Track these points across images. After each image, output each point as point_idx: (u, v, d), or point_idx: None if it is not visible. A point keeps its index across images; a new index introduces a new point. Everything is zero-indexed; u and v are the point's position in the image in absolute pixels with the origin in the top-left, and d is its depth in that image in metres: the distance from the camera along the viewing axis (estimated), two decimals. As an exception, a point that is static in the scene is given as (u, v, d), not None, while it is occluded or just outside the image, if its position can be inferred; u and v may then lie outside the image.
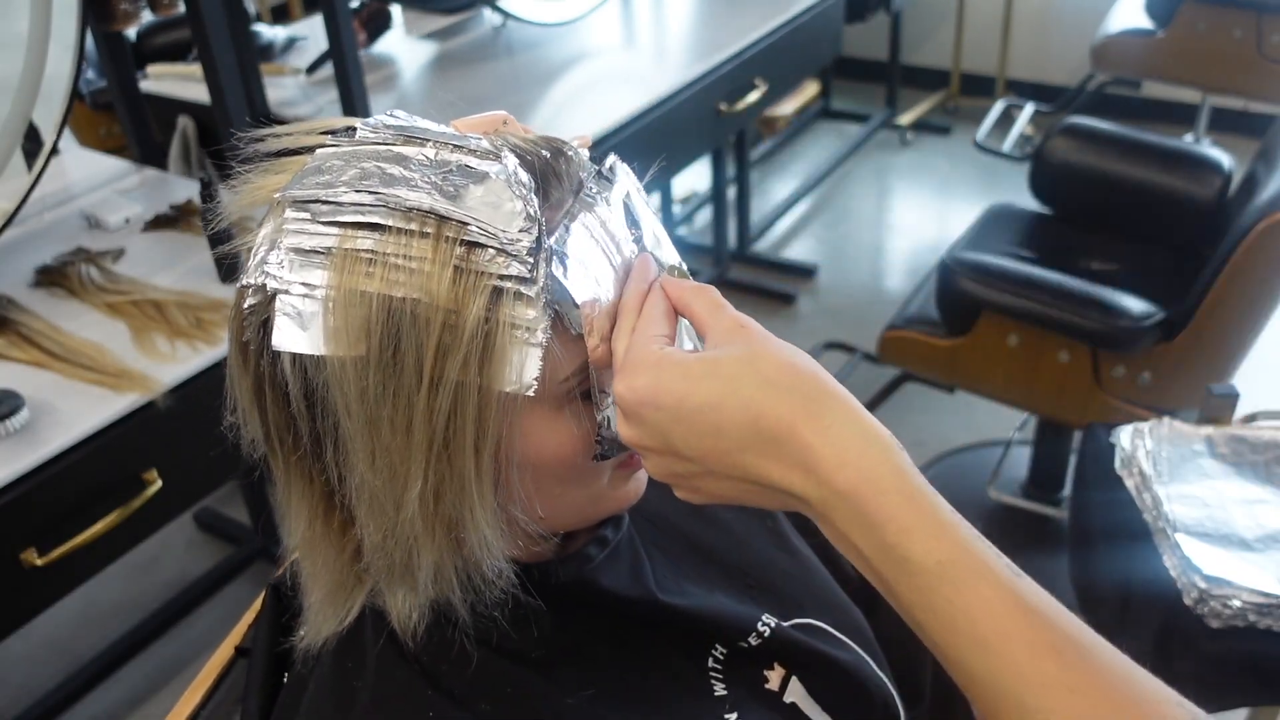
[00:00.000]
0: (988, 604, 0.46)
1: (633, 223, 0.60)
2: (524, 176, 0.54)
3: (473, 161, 0.54)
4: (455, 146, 0.55)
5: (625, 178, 0.61)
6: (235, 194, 0.57)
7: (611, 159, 0.60)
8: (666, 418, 0.51)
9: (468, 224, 0.52)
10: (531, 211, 0.53)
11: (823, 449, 0.49)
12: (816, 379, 0.51)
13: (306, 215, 0.53)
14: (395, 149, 0.54)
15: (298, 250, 0.53)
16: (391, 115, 0.58)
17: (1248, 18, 2.80)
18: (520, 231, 0.52)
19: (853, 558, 0.51)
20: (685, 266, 0.63)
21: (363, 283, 0.51)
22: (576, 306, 0.54)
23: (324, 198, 0.53)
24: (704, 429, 0.51)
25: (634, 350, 0.54)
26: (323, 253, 0.52)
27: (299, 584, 0.65)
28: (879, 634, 0.76)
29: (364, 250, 0.51)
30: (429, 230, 0.51)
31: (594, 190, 0.58)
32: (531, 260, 0.52)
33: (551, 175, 0.56)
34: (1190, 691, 1.37)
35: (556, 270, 0.53)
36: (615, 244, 0.58)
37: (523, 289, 0.52)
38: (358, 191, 0.52)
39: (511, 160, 0.54)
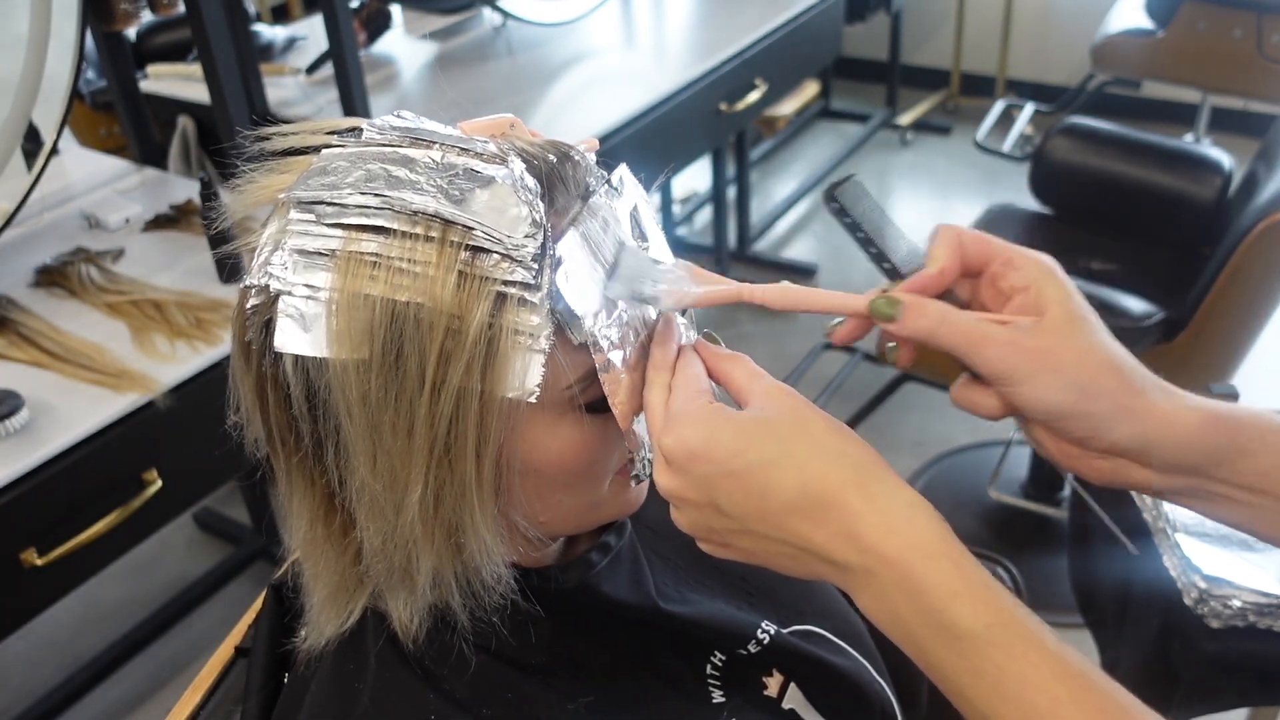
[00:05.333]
0: (1036, 669, 0.46)
1: (640, 235, 0.60)
2: (530, 182, 0.53)
3: (479, 165, 0.53)
4: (462, 150, 0.54)
5: (633, 189, 0.60)
6: (239, 193, 0.57)
7: (620, 170, 0.60)
8: (716, 472, 0.51)
9: (473, 229, 0.51)
10: (537, 217, 0.52)
11: (871, 515, 0.49)
12: (863, 447, 0.52)
13: (311, 217, 0.53)
14: (401, 151, 0.54)
15: (301, 252, 0.52)
16: (398, 116, 0.57)
17: (1248, 18, 2.79)
18: (525, 237, 0.52)
19: (889, 626, 0.50)
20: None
21: (366, 286, 0.51)
22: (578, 316, 0.53)
23: (329, 199, 0.52)
24: (752, 487, 0.51)
25: (680, 402, 0.54)
26: (327, 255, 0.52)
27: (300, 585, 0.65)
28: (878, 640, 0.76)
29: (368, 253, 0.51)
30: (434, 234, 0.51)
31: (601, 197, 0.58)
32: (536, 266, 0.52)
33: (558, 181, 0.55)
34: (1190, 691, 1.37)
35: (560, 277, 0.53)
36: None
37: (527, 295, 0.52)
38: (363, 194, 0.52)
39: (518, 165, 0.54)
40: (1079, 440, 0.53)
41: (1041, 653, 0.46)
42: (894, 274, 0.57)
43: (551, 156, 0.56)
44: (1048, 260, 0.55)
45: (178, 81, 2.17)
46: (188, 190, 1.84)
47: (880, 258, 0.56)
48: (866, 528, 0.49)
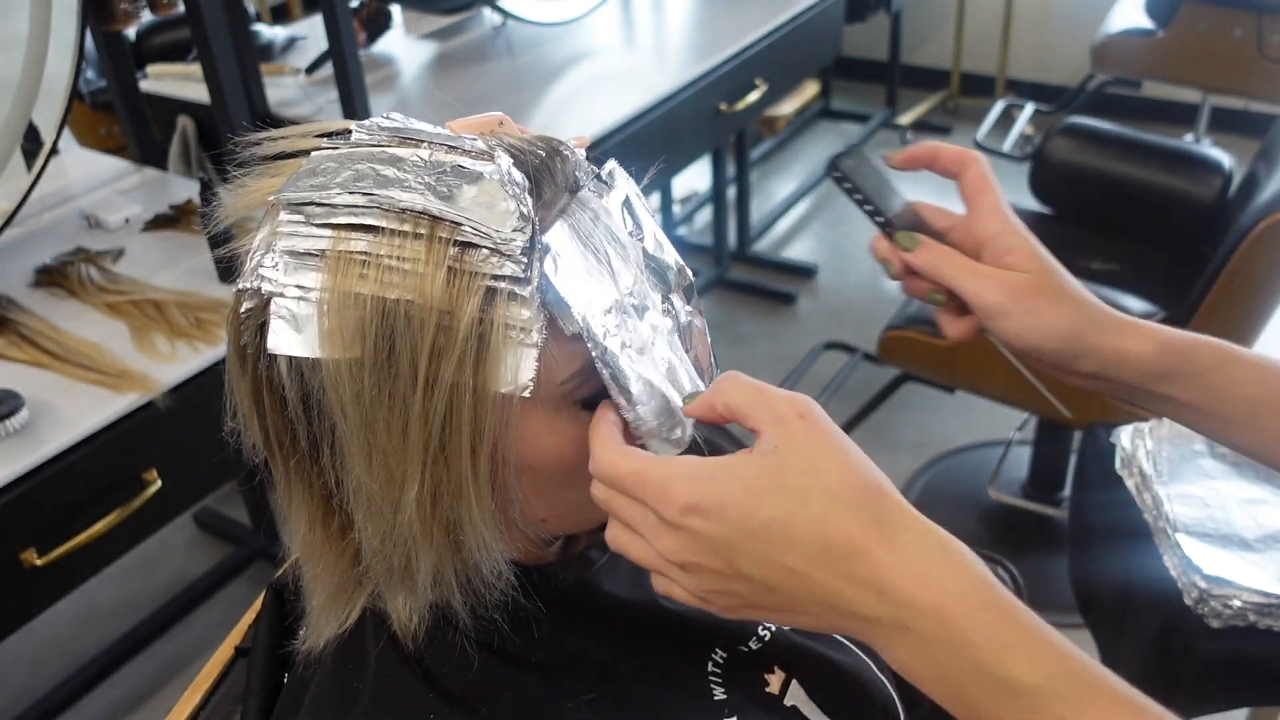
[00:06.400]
0: (1105, 716, 0.44)
1: (635, 225, 0.60)
2: (518, 176, 0.54)
3: (467, 162, 0.53)
4: (450, 147, 0.54)
5: (625, 183, 0.60)
6: (231, 197, 0.57)
7: (610, 164, 0.60)
8: (732, 531, 0.48)
9: (461, 224, 0.51)
10: (525, 211, 0.52)
11: (900, 566, 0.46)
12: (882, 492, 0.49)
13: (300, 218, 0.53)
14: (390, 150, 0.54)
15: (292, 253, 0.53)
16: (388, 118, 0.57)
17: (1248, 18, 2.79)
18: (514, 231, 0.52)
19: (931, 682, 0.47)
20: (688, 268, 0.63)
21: (357, 285, 0.51)
22: (568, 305, 0.53)
23: (318, 200, 0.52)
24: (773, 544, 0.47)
25: (668, 463, 0.50)
26: (317, 255, 0.52)
27: (300, 587, 0.65)
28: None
29: (357, 252, 0.51)
30: (422, 231, 0.51)
31: (591, 189, 0.58)
32: (525, 260, 0.52)
33: (546, 174, 0.55)
34: (1190, 691, 1.37)
35: (549, 266, 0.53)
36: (615, 242, 0.58)
37: (516, 289, 0.52)
38: (351, 193, 0.52)
39: (505, 160, 0.54)
40: (1048, 366, 0.64)
41: (1112, 699, 0.44)
42: (887, 226, 0.68)
43: (540, 151, 0.56)
44: (1002, 214, 0.64)
45: (178, 81, 2.17)
46: (188, 190, 1.84)
47: (875, 214, 0.68)
48: (898, 579, 0.46)
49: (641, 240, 0.60)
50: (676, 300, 0.61)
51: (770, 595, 0.49)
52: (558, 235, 0.54)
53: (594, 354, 0.54)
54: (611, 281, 0.56)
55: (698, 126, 2.35)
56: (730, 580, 0.49)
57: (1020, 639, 0.45)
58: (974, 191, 0.66)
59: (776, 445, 0.49)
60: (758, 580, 0.48)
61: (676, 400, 0.57)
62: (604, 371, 0.55)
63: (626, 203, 0.60)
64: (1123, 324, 0.63)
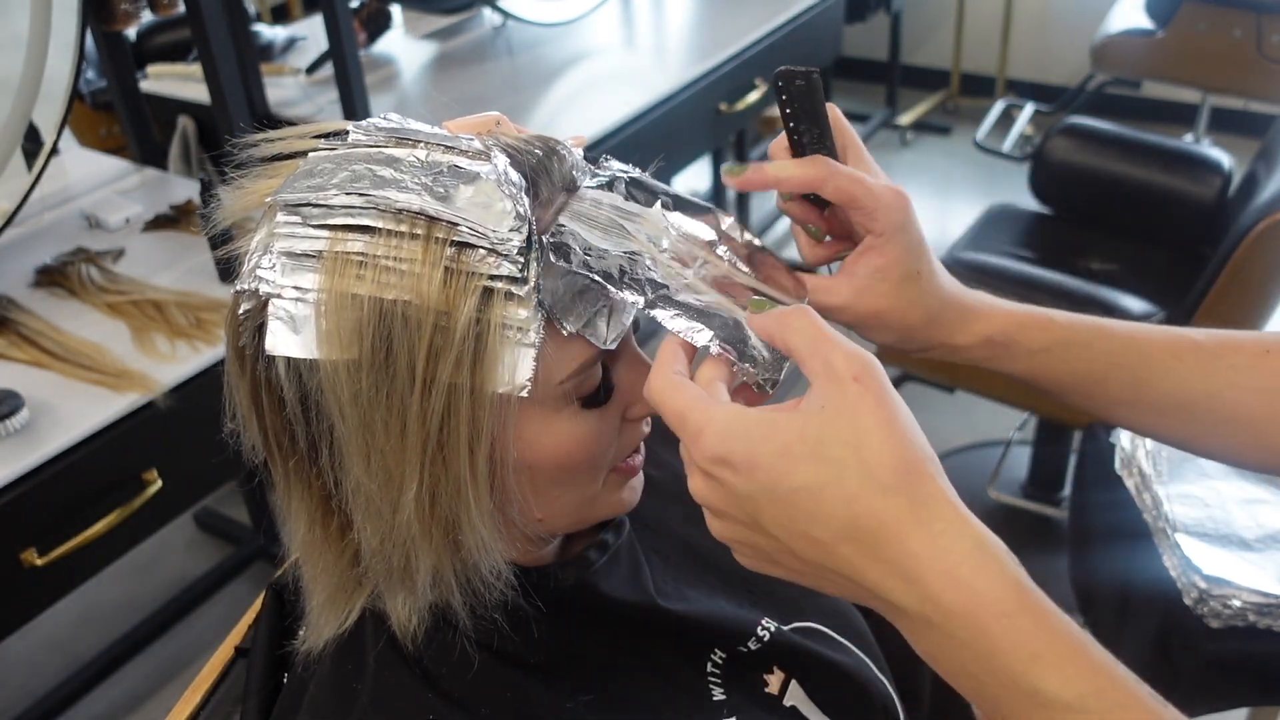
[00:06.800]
0: None
1: (649, 194, 0.60)
2: (514, 176, 0.54)
3: (463, 162, 0.53)
4: (447, 148, 0.54)
5: (622, 168, 0.61)
6: (228, 198, 0.57)
7: (603, 160, 0.61)
8: (757, 492, 0.46)
9: (458, 224, 0.51)
10: (521, 211, 0.52)
11: (930, 561, 0.44)
12: (923, 475, 0.46)
13: (297, 219, 0.53)
14: (387, 151, 0.54)
15: (289, 254, 0.52)
16: (385, 119, 0.57)
17: (1248, 18, 2.79)
18: (511, 231, 0.52)
19: (954, 677, 0.46)
20: (721, 213, 0.64)
21: (354, 285, 0.51)
22: (598, 281, 0.53)
23: (314, 201, 0.52)
24: (798, 513, 0.46)
25: (706, 407, 0.49)
26: (314, 256, 0.52)
27: (300, 587, 0.65)
28: (879, 637, 0.76)
29: (354, 253, 0.51)
30: (419, 231, 0.51)
31: (589, 185, 0.58)
32: (522, 260, 0.52)
33: (543, 173, 0.56)
34: (1190, 691, 1.37)
35: (559, 261, 0.53)
36: (625, 214, 0.58)
37: (514, 289, 0.52)
38: (348, 194, 0.52)
39: (502, 160, 0.54)
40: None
41: (1147, 717, 0.42)
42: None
43: (537, 150, 0.56)
44: (897, 220, 0.66)
45: (178, 81, 2.17)
46: (188, 190, 1.84)
47: (797, 145, 0.64)
48: (926, 573, 0.44)
49: (666, 205, 0.60)
50: (736, 233, 0.63)
51: (794, 559, 0.48)
52: (560, 230, 0.54)
53: (641, 302, 0.54)
54: (634, 241, 0.57)
55: (697, 126, 2.35)
56: (754, 534, 0.48)
57: (1052, 649, 0.43)
58: (854, 212, 0.67)
59: (824, 406, 0.47)
60: (782, 541, 0.47)
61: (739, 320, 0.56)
62: (656, 313, 0.55)
63: (631, 183, 0.60)
64: (958, 315, 0.66)
